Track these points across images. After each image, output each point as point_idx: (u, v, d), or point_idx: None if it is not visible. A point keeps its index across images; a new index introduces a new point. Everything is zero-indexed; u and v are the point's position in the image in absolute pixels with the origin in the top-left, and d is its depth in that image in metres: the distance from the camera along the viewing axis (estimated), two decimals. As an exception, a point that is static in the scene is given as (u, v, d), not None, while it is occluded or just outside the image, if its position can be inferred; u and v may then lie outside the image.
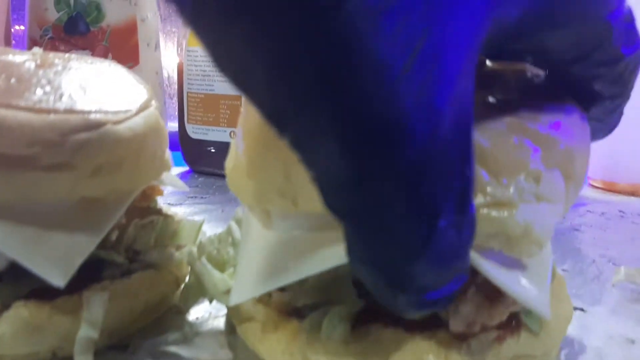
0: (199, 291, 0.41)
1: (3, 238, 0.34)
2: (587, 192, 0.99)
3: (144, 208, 0.44)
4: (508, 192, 0.30)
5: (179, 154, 1.11)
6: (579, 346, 0.41)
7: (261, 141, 0.34)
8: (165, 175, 0.43)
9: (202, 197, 0.87)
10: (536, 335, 0.36)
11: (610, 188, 1.00)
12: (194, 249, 0.42)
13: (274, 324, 0.37)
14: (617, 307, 0.49)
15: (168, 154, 0.43)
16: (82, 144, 0.35)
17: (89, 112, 0.36)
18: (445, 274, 0.27)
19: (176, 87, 1.12)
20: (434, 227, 0.24)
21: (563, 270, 0.58)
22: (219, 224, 0.71)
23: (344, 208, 0.24)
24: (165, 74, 1.28)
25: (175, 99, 1.13)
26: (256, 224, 0.37)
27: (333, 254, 0.32)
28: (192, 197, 0.87)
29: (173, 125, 1.16)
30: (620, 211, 0.86)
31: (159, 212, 0.45)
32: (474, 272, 0.34)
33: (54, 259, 0.34)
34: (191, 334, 0.42)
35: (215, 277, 0.40)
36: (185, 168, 1.11)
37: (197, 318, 0.44)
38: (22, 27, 1.15)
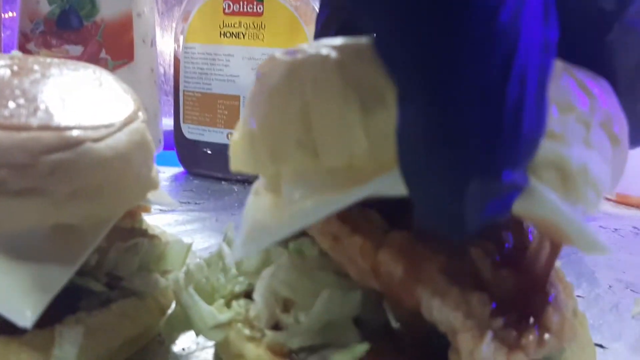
0: (184, 322, 0.38)
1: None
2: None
3: (128, 229, 0.41)
4: (560, 125, 0.27)
5: (173, 153, 1.08)
6: (601, 393, 0.38)
7: (278, 95, 0.31)
8: (151, 194, 0.40)
9: (196, 204, 0.84)
10: (558, 385, 0.33)
11: (623, 201, 0.97)
12: (181, 276, 0.38)
13: (266, 368, 0.34)
14: (638, 343, 0.45)
15: (155, 170, 0.40)
16: (56, 165, 0.32)
17: (66, 129, 0.33)
18: (519, 159, 0.24)
19: (173, 84, 1.08)
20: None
21: (578, 296, 0.55)
22: (212, 235, 0.68)
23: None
24: (161, 70, 1.24)
25: (171, 97, 1.09)
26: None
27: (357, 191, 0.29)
28: (185, 203, 0.83)
29: (168, 124, 1.12)
30: (634, 227, 0.82)
31: (144, 233, 0.42)
32: (495, 313, 0.31)
33: (20, 296, 0.30)
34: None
35: (203, 310, 0.36)
36: (180, 169, 1.07)
37: (183, 349, 0.41)
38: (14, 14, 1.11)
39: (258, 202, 0.35)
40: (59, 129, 0.33)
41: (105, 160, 0.34)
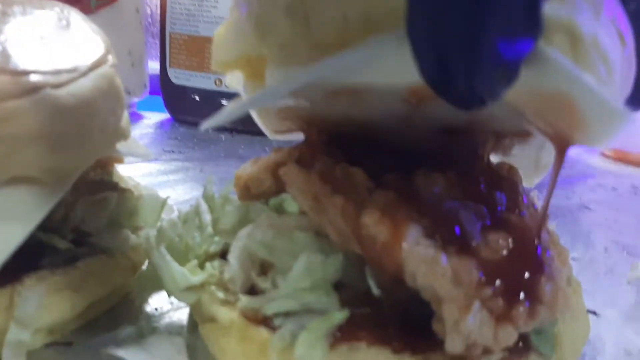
0: (156, 282, 0.36)
1: None
2: (597, 162, 0.94)
3: (97, 182, 0.39)
4: None
5: (160, 98, 1.05)
6: (591, 364, 0.37)
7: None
8: (122, 145, 0.37)
9: (180, 152, 0.81)
10: (548, 359, 0.32)
11: (622, 158, 0.94)
12: (153, 234, 0.36)
13: (240, 333, 0.32)
14: (633, 311, 0.44)
15: (126, 119, 0.37)
16: (11, 113, 0.29)
17: (23, 73, 0.30)
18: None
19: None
20: None
21: (573, 259, 0.53)
22: (195, 186, 0.66)
23: None
24: (147, 11, 1.20)
25: (158, 39, 1.05)
26: None
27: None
28: (169, 152, 0.81)
29: (156, 67, 1.08)
30: (633, 186, 0.80)
31: (114, 186, 0.39)
32: (483, 283, 0.29)
33: None
34: (147, 329, 0.37)
35: (174, 270, 0.34)
36: (166, 115, 1.04)
37: (155, 309, 0.39)
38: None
39: None
40: (15, 73, 0.30)
41: (66, 109, 0.31)
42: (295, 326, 0.30)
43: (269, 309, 0.31)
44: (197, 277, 0.34)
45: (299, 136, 0.45)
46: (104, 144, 0.35)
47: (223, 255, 0.37)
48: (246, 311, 0.32)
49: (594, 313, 0.43)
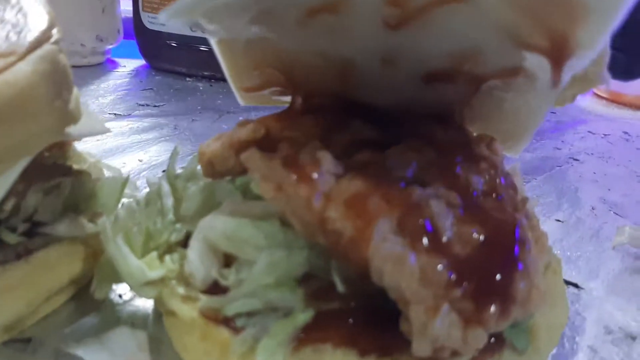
0: (115, 276, 0.34)
1: None
2: (590, 104, 0.91)
3: (49, 166, 0.36)
4: None
5: (134, 43, 1.00)
6: (570, 345, 0.36)
7: None
8: (72, 129, 0.35)
9: (155, 106, 0.78)
10: (522, 353, 0.31)
11: (615, 99, 0.92)
12: (108, 223, 0.34)
13: (202, 332, 0.31)
14: (616, 282, 0.43)
15: (75, 99, 0.35)
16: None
17: (-52, 62, 0.28)
18: None
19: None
20: None
21: (558, 220, 0.52)
22: (168, 148, 0.64)
23: None
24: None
25: (130, -20, 1.00)
26: None
27: None
28: (143, 106, 0.78)
29: (127, 10, 1.04)
30: (624, 133, 0.79)
31: (67, 171, 0.37)
32: (453, 283, 0.27)
33: None
34: (111, 319, 0.36)
35: (132, 265, 0.33)
36: (142, 62, 1.00)
37: (120, 296, 0.38)
38: None
39: None
40: (-60, 61, 0.28)
41: (2, 100, 0.29)
42: (257, 329, 0.29)
43: (230, 310, 0.30)
44: (156, 272, 0.33)
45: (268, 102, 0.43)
46: (51, 130, 0.33)
47: (186, 243, 0.35)
48: (206, 311, 0.31)
49: (576, 286, 0.42)
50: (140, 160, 0.59)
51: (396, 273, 0.27)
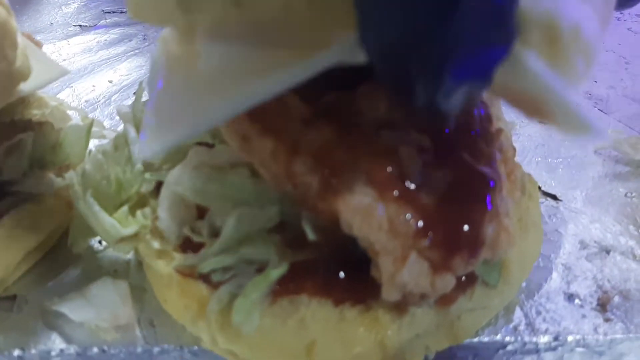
0: (89, 231, 0.35)
1: None
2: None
3: (7, 124, 0.36)
4: None
5: None
6: (545, 263, 0.37)
7: None
8: (24, 84, 0.34)
9: (121, 12, 0.75)
10: (494, 288, 0.32)
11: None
12: (76, 179, 0.34)
13: (180, 287, 0.32)
14: (595, 190, 0.44)
15: (22, 57, 0.33)
16: None
17: None
18: (485, 32, 0.22)
19: None
20: None
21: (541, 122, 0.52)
22: (138, 61, 0.62)
23: None
24: None
25: None
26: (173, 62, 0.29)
27: (280, 75, 0.24)
28: (109, 13, 0.75)
29: None
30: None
31: (28, 125, 0.37)
32: (420, 232, 0.28)
33: None
34: (92, 269, 0.37)
35: (104, 222, 0.33)
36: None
37: (100, 243, 0.39)
38: None
39: (170, 63, 0.28)
40: None
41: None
42: (233, 286, 0.30)
43: (205, 267, 0.31)
44: (129, 229, 0.33)
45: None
46: (1, 93, 0.32)
47: (157, 193, 0.35)
48: (182, 269, 0.31)
49: (555, 198, 0.43)
50: (110, 82, 0.57)
51: (365, 225, 0.28)
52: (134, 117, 0.38)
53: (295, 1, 0.23)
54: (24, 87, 0.34)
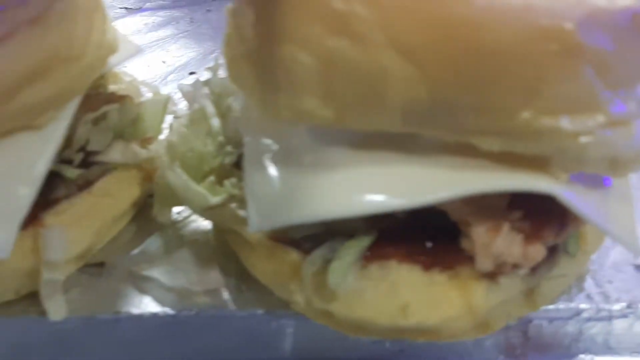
0: (174, 199, 0.36)
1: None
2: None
3: (94, 96, 0.37)
4: (625, 107, 0.26)
5: None
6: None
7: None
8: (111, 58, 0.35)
9: (167, -5, 0.76)
10: (573, 257, 0.33)
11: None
12: (164, 153, 0.36)
13: (269, 252, 0.33)
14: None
15: (112, 31, 0.34)
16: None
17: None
18: None
19: None
20: None
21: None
22: (188, 44, 0.63)
23: None
24: None
25: None
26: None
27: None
28: (155, -3, 0.76)
29: None
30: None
31: (112, 97, 0.38)
32: (511, 205, 0.29)
33: None
34: (174, 239, 0.38)
35: (193, 191, 0.34)
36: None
37: (178, 214, 0.40)
38: None
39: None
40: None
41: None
42: (325, 251, 0.31)
43: (297, 233, 0.32)
44: (217, 198, 0.34)
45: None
46: (94, 65, 0.33)
47: (238, 164, 0.36)
48: (274, 234, 0.32)
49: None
50: (164, 62, 0.59)
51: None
52: (212, 92, 0.39)
53: None
54: (112, 60, 0.36)
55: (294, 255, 0.32)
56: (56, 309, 0.33)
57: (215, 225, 0.39)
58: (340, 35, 0.25)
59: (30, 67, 0.29)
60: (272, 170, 0.30)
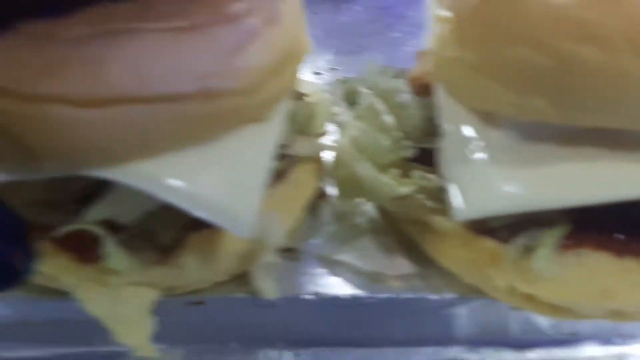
0: (357, 190, 0.39)
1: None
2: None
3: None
4: None
5: None
6: None
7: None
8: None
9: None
10: None
11: None
12: (347, 144, 0.38)
13: (464, 241, 0.36)
14: None
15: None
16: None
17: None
18: None
19: None
20: None
21: None
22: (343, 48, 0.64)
23: None
24: None
25: None
26: None
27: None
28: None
29: None
30: None
31: (298, 94, 0.40)
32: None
33: (236, 209, 0.30)
34: (348, 227, 0.41)
35: (382, 182, 0.37)
36: None
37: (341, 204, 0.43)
38: None
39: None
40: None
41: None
42: (526, 239, 0.34)
43: (495, 221, 0.34)
44: (406, 188, 0.37)
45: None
46: (301, 62, 0.36)
47: (415, 159, 0.39)
48: (472, 223, 0.35)
49: None
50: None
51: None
52: (375, 91, 0.42)
53: None
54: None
55: (490, 243, 0.35)
56: (270, 289, 0.35)
57: (385, 215, 0.42)
58: (583, 40, 0.28)
59: (273, 63, 0.31)
60: (477, 162, 0.33)
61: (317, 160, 0.41)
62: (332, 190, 0.42)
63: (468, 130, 0.34)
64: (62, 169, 0.27)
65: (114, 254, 0.32)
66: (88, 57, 0.25)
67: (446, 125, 0.35)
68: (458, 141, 0.34)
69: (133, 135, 0.27)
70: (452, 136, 0.34)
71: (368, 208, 0.42)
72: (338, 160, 0.40)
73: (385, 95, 0.42)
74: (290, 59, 0.33)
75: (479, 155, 0.33)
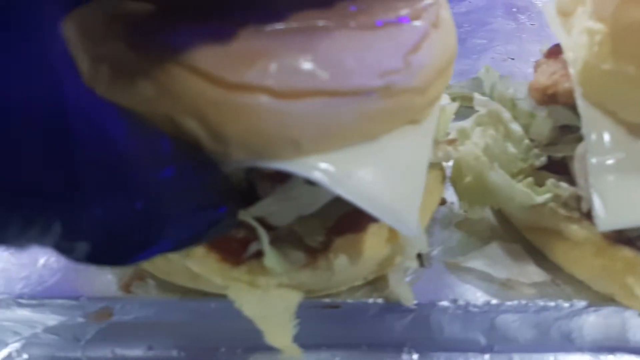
0: (483, 197, 0.39)
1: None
2: None
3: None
4: None
5: None
6: None
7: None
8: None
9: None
10: None
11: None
12: (475, 151, 0.39)
13: (598, 250, 0.36)
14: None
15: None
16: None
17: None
18: None
19: None
20: None
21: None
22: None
23: None
24: None
25: None
26: None
27: None
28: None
29: None
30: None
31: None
32: None
33: (402, 209, 0.31)
34: (474, 233, 0.41)
35: (518, 191, 0.38)
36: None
37: (465, 212, 0.43)
38: None
39: None
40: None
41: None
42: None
43: (634, 232, 0.35)
44: (542, 197, 0.37)
45: None
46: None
47: (545, 167, 0.39)
48: (609, 232, 0.35)
49: None
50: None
51: None
52: (502, 97, 0.43)
53: None
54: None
55: (627, 252, 0.35)
56: (406, 295, 0.36)
57: (505, 222, 0.42)
58: None
59: (440, 64, 0.32)
60: (622, 172, 0.33)
61: (441, 167, 0.41)
62: (450, 197, 0.43)
63: (614, 141, 0.34)
64: (249, 160, 0.28)
65: (270, 254, 0.33)
66: (289, 49, 0.26)
67: (591, 135, 0.35)
68: (603, 151, 0.34)
69: (319, 128, 0.27)
70: (597, 146, 0.34)
71: (487, 215, 0.43)
72: (463, 167, 0.40)
73: (506, 102, 0.43)
74: (451, 62, 0.34)
75: (625, 166, 0.33)
